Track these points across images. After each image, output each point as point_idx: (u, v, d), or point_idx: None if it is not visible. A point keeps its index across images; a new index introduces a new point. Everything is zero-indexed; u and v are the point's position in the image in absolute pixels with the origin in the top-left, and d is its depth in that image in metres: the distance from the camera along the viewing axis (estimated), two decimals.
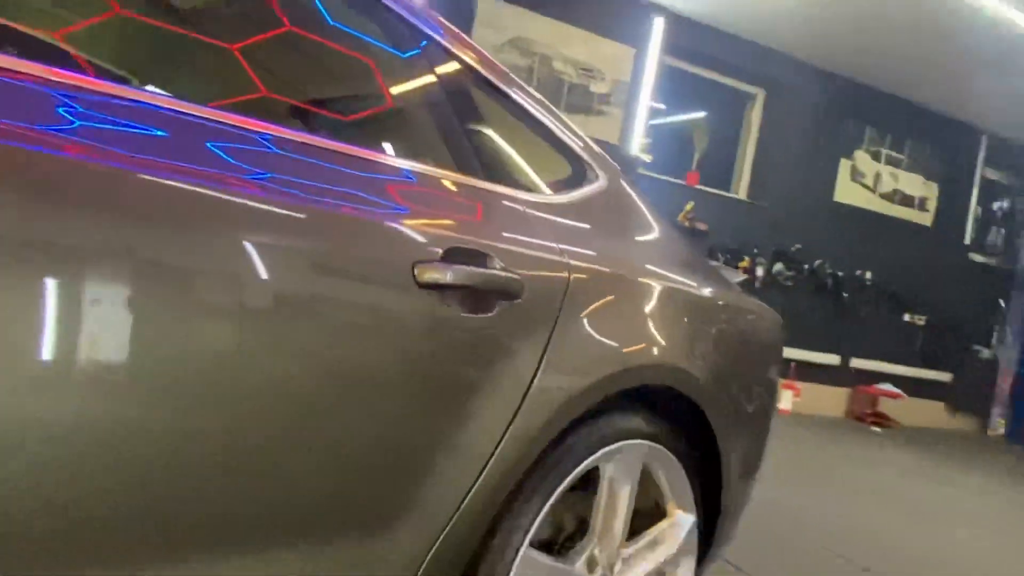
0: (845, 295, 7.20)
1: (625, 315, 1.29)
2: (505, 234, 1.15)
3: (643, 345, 1.31)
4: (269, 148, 0.93)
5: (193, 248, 0.79)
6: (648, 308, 1.35)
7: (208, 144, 0.86)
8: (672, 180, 6.48)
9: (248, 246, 0.83)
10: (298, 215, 0.89)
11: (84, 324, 0.71)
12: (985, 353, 8.23)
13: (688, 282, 1.52)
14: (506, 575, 1.12)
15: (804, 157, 7.03)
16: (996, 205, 8.43)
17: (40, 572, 0.71)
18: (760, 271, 6.69)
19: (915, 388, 7.54)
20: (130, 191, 0.76)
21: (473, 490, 1.05)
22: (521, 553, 1.14)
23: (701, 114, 7.42)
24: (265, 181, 0.89)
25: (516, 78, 1.48)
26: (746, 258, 6.65)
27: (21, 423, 0.69)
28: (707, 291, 1.58)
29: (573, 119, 5.65)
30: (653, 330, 1.34)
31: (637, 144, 6.18)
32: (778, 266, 6.81)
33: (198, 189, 0.81)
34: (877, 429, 6.88)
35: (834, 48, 6.43)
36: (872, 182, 7.39)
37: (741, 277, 2.02)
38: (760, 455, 1.71)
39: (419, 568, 1.02)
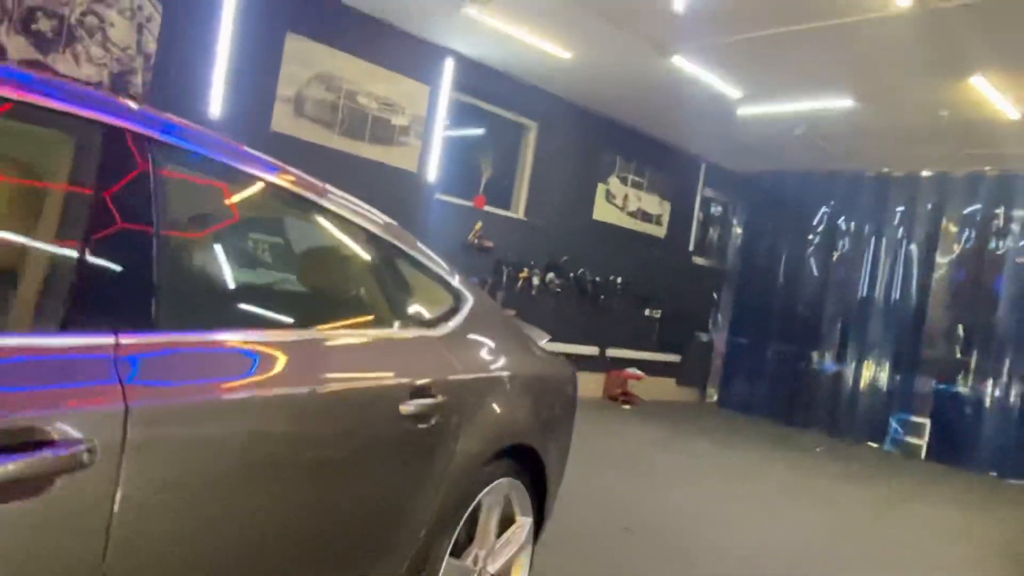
0: (602, 297, 8.62)
1: (499, 404, 2.07)
2: (430, 367, 1.86)
3: (510, 422, 2.10)
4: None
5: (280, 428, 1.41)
6: (509, 397, 2.14)
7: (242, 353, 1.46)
8: (463, 203, 7.34)
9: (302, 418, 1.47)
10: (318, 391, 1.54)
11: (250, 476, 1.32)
12: (704, 337, 10.27)
13: (530, 370, 2.34)
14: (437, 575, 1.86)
15: (569, 181, 8.28)
16: (712, 210, 10.48)
17: None
18: (536, 280, 7.83)
19: (653, 369, 9.24)
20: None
21: (425, 528, 1.77)
22: (444, 561, 1.88)
23: (479, 132, 8.34)
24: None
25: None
26: (525, 269, 7.75)
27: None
28: (537, 370, 2.41)
29: (376, 149, 6.24)
30: (514, 411, 2.14)
31: (433, 171, 6.93)
32: (550, 276, 8.01)
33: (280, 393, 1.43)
34: (627, 406, 8.41)
35: (593, 92, 7.69)
36: (621, 203, 8.89)
37: (547, 338, 2.84)
38: (563, 469, 2.59)
39: None
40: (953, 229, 8.65)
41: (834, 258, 9.55)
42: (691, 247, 10.00)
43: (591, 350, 8.55)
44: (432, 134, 6.93)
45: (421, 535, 1.76)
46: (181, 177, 1.45)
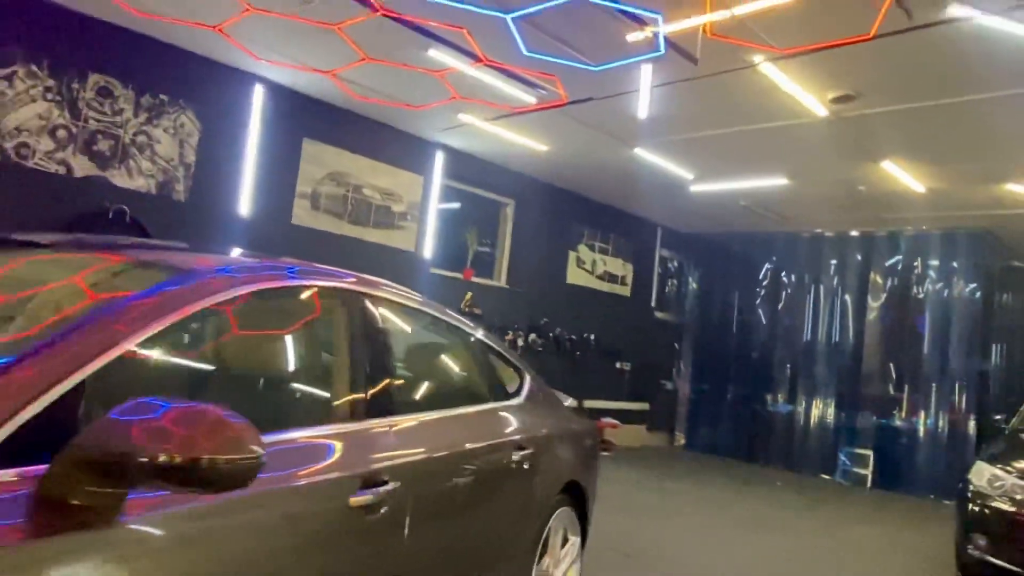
0: (577, 353, 9.50)
1: (560, 452, 2.91)
2: (520, 427, 2.70)
3: (573, 464, 2.94)
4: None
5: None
6: (564, 446, 2.98)
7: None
8: (454, 275, 8.20)
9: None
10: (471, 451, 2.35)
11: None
12: (669, 386, 11.23)
13: (571, 426, 3.18)
14: None
15: (544, 251, 9.23)
16: (670, 267, 11.56)
17: None
18: (520, 341, 8.68)
19: (625, 417, 10.09)
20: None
21: (526, 544, 2.58)
22: (534, 570, 2.68)
23: (464, 212, 9.26)
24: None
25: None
26: (510, 332, 8.61)
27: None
28: (575, 425, 3.26)
29: (379, 233, 7.07)
30: (572, 456, 2.97)
31: (428, 249, 7.79)
32: (532, 336, 8.87)
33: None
34: (606, 453, 9.20)
35: (563, 174, 8.71)
36: (591, 267, 9.88)
37: (571, 400, 3.70)
38: (595, 499, 3.42)
39: None
40: (880, 280, 9.88)
41: (779, 308, 10.69)
42: (653, 303, 11.01)
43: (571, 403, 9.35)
44: (426, 217, 7.81)
45: (524, 549, 2.57)
46: (383, 312, 2.27)
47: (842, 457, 9.56)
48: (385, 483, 1.79)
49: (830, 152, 6.64)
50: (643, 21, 4.28)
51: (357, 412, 1.88)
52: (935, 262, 9.51)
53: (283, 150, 6.58)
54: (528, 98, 5.89)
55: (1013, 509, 4.41)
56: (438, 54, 5.21)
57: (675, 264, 11.67)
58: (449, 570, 2.14)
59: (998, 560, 4.40)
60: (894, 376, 9.69)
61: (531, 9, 3.51)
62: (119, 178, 5.63)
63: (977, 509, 4.60)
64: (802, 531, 6.18)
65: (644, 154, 7.30)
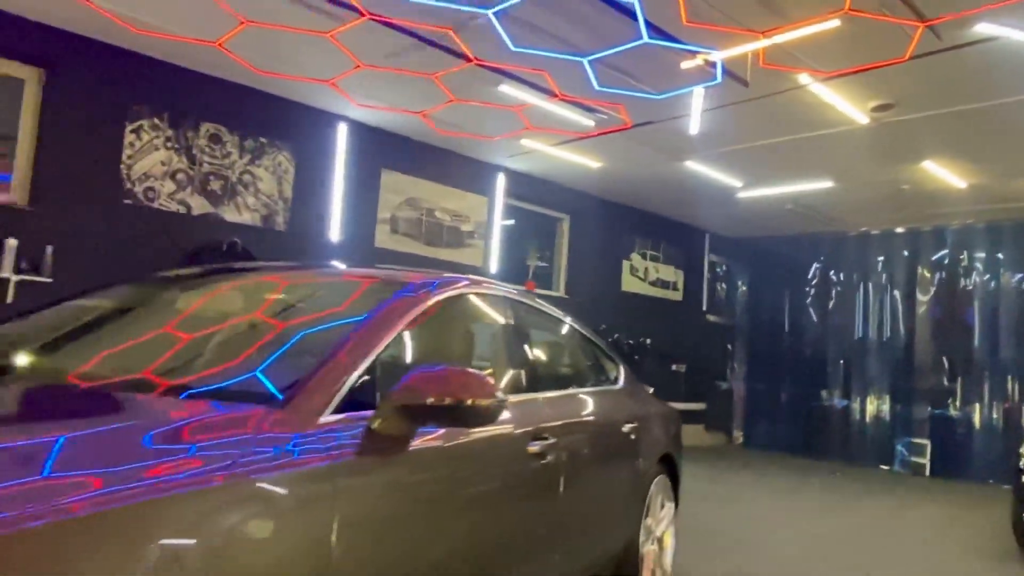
0: (635, 356, 9.98)
1: (655, 429, 3.44)
2: (625, 406, 3.24)
3: (665, 440, 3.46)
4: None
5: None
6: (657, 425, 3.51)
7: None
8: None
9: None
10: (589, 422, 2.90)
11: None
12: (724, 385, 11.62)
13: (661, 408, 3.71)
14: (636, 538, 3.18)
15: (599, 261, 9.76)
16: (719, 272, 11.98)
17: None
18: None
19: (683, 417, 10.49)
20: None
21: (637, 505, 3.11)
22: (641, 526, 3.21)
23: (525, 228, 9.85)
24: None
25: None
26: None
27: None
28: (662, 407, 3.78)
29: (451, 252, 7.73)
30: (663, 433, 3.50)
31: (494, 264, 8.39)
32: None
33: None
34: None
35: (615, 188, 9.25)
36: (643, 274, 10.37)
37: (651, 389, 4.23)
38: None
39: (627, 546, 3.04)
40: (927, 274, 10.17)
41: (830, 306, 11.03)
42: (704, 307, 11.45)
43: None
44: (491, 235, 8.43)
45: (635, 507, 3.10)
46: (524, 312, 2.84)
47: (899, 447, 9.84)
48: (546, 438, 2.35)
49: (873, 155, 7.06)
50: (694, 51, 4.82)
51: (519, 386, 2.45)
52: (981, 254, 9.78)
53: (365, 181, 7.26)
54: (588, 122, 6.46)
55: None
56: (508, 89, 5.82)
57: (724, 268, 12.09)
58: (590, 511, 2.70)
59: None
60: (947, 368, 9.94)
61: (605, 52, 4.08)
62: (229, 214, 6.36)
63: None
64: (864, 512, 6.56)
65: (694, 166, 7.81)
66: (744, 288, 12.16)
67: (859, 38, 4.39)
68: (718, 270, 12.02)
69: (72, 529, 1.04)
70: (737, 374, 11.89)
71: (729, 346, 11.98)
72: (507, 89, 5.81)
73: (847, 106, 5.81)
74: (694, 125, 5.94)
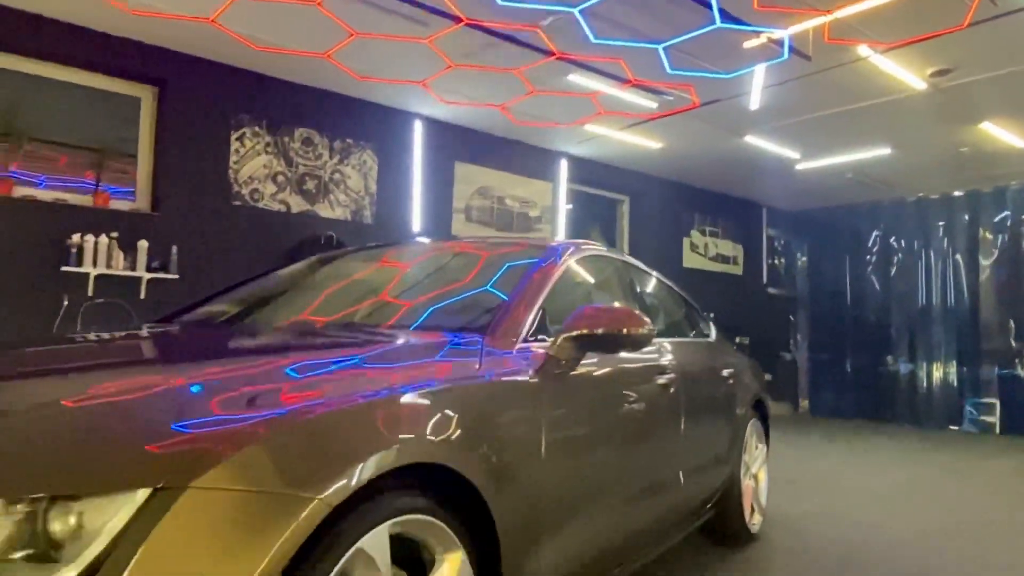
0: None
1: (746, 377, 3.81)
2: (720, 355, 3.62)
3: (756, 387, 3.84)
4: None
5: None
6: (748, 373, 3.88)
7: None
8: None
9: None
10: (691, 365, 3.29)
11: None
12: (788, 356, 11.82)
13: (746, 360, 4.08)
14: (738, 471, 3.57)
15: (660, 239, 10.08)
16: (777, 246, 12.17)
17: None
18: None
19: None
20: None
21: (739, 443, 3.50)
22: (743, 461, 3.59)
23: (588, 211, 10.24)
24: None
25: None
26: None
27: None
28: (747, 360, 4.15)
29: (520, 236, 8.12)
30: (754, 381, 3.88)
31: None
32: None
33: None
34: None
35: (674, 168, 9.55)
36: (703, 250, 10.66)
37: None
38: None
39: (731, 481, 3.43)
40: (989, 236, 10.21)
41: (892, 273, 11.13)
42: (764, 280, 11.66)
43: None
44: (557, 219, 8.84)
45: (736, 443, 3.49)
46: (633, 271, 3.25)
47: (968, 408, 9.94)
48: (669, 374, 2.77)
49: (931, 120, 7.24)
50: (761, 31, 5.14)
51: None
52: None
53: (440, 174, 7.75)
54: (652, 104, 6.81)
55: None
56: (577, 79, 6.21)
57: (782, 241, 12.27)
58: (703, 441, 3.11)
59: None
60: (1013, 328, 9.99)
61: (679, 39, 4.45)
62: (324, 210, 6.91)
63: None
64: (935, 464, 6.79)
65: (753, 140, 8.08)
66: (803, 260, 12.32)
67: (917, 8, 4.66)
68: (776, 244, 12.20)
69: (387, 404, 1.49)
70: (800, 345, 12.08)
71: (791, 317, 12.16)
72: (576, 78, 6.20)
73: (905, 73, 6.03)
74: (755, 101, 6.25)
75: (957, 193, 10.41)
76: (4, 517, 1.02)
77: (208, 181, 6.25)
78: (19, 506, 1.02)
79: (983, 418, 9.81)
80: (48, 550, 1.02)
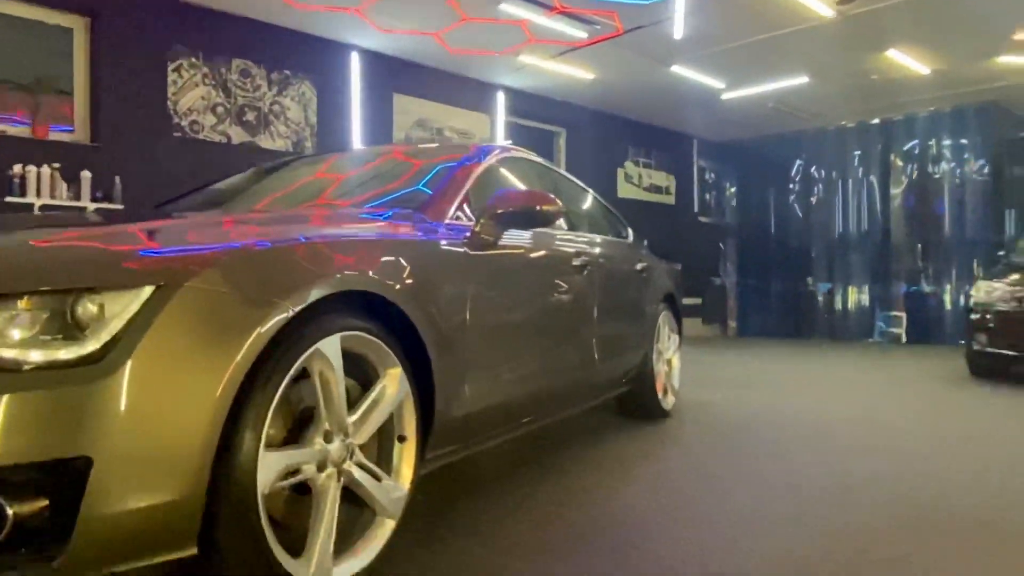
0: None
1: (658, 274, 4.26)
2: (636, 254, 4.05)
3: (667, 283, 4.29)
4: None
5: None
6: (660, 271, 4.33)
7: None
8: None
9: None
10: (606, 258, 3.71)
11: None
12: (718, 281, 12.51)
13: (662, 263, 4.53)
14: (650, 355, 4.04)
15: (595, 171, 10.46)
16: (707, 176, 12.73)
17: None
18: None
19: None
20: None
21: (649, 330, 3.96)
22: (655, 349, 4.06)
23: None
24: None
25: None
26: None
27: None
28: (665, 263, 4.60)
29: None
30: (666, 277, 4.33)
31: None
32: None
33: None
34: None
35: (607, 99, 9.88)
36: (638, 181, 11.10)
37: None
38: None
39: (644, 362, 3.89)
40: (900, 164, 10.93)
41: (813, 201, 11.82)
42: (696, 209, 12.23)
43: None
44: None
45: (648, 331, 3.95)
46: (558, 178, 3.61)
47: (878, 322, 10.81)
48: (585, 257, 3.18)
49: (841, 48, 7.72)
50: None
51: (560, 225, 3.26)
52: (948, 141, 10.53)
53: (379, 105, 7.91)
54: (581, 33, 7.09)
55: (1004, 309, 5.67)
56: (508, 7, 6.43)
57: (712, 172, 12.81)
58: (616, 324, 3.54)
59: (993, 348, 5.69)
60: (919, 250, 10.82)
61: None
62: (265, 142, 7.04)
63: (978, 315, 5.87)
64: (853, 367, 7.52)
65: (679, 70, 8.45)
66: (732, 189, 12.92)
67: None
68: (707, 175, 12.74)
69: (336, 244, 1.83)
70: (729, 270, 12.77)
71: (721, 245, 12.81)
72: (506, 7, 6.43)
73: (814, 1, 6.45)
74: (678, 29, 6.61)
75: (873, 121, 11.05)
76: (38, 309, 1.33)
77: (147, 112, 6.31)
78: (49, 298, 1.34)
79: (892, 330, 10.69)
80: (74, 333, 1.34)
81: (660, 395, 4.14)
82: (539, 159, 3.56)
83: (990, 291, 5.85)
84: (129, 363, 1.30)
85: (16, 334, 1.30)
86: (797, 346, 10.21)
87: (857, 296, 11.31)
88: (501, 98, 9.13)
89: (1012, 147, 10.41)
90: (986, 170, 10.17)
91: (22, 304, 1.32)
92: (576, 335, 3.13)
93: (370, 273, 1.85)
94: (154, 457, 1.34)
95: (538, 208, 2.47)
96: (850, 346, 10.23)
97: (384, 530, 1.86)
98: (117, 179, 6.00)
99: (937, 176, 10.58)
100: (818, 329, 11.52)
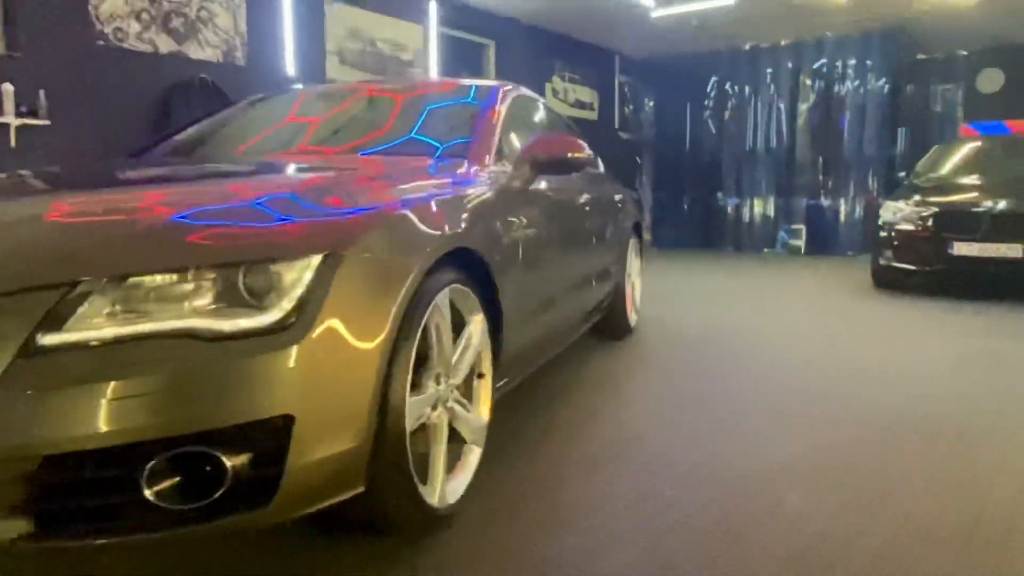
0: None
1: (629, 206, 4.52)
2: (613, 187, 4.28)
3: (635, 212, 4.56)
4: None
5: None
6: (631, 203, 4.59)
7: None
8: None
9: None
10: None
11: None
12: (635, 195, 12.98)
13: (629, 193, 4.79)
14: (624, 275, 4.35)
15: (524, 84, 10.43)
16: (627, 92, 12.98)
17: None
18: None
19: None
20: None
21: (622, 253, 4.25)
22: (625, 273, 4.37)
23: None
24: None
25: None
26: None
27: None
28: (630, 193, 4.87)
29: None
30: (633, 207, 4.60)
31: None
32: None
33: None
34: None
35: (537, 12, 9.80)
36: (564, 96, 11.20)
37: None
38: None
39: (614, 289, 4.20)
40: (808, 83, 11.54)
41: (726, 118, 12.34)
42: (616, 125, 12.50)
43: None
44: (428, 62, 8.94)
45: (622, 254, 4.24)
46: (552, 114, 3.73)
47: (781, 233, 11.67)
48: (585, 194, 3.38)
49: None
50: None
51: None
52: (853, 62, 11.17)
53: (311, 14, 7.54)
54: None
55: (908, 228, 6.35)
56: None
57: (632, 88, 13.05)
58: (606, 251, 3.81)
59: (898, 263, 6.41)
60: (821, 166, 11.62)
61: None
62: (194, 51, 6.62)
63: (885, 233, 6.55)
64: (769, 280, 8.20)
65: None
66: (651, 105, 13.24)
67: None
68: (627, 91, 12.96)
69: (438, 205, 1.96)
70: (646, 184, 13.26)
71: (638, 159, 13.23)
72: None
73: None
74: None
75: (783, 42, 11.53)
76: (207, 281, 1.42)
77: (67, 19, 5.78)
78: (229, 271, 1.43)
79: (792, 242, 11.59)
80: (256, 302, 1.44)
81: (629, 314, 4.49)
82: (534, 95, 3.66)
83: (896, 211, 6.51)
84: (317, 327, 1.43)
85: (211, 306, 1.40)
86: (710, 258, 10.92)
87: (763, 209, 12.09)
88: (434, 8, 8.87)
89: (911, 69, 11.21)
90: (886, 89, 10.94)
91: (207, 276, 1.41)
92: (582, 267, 3.37)
93: (467, 228, 2.00)
94: (339, 410, 1.49)
95: (570, 156, 2.64)
96: (754, 257, 11.04)
97: (473, 457, 2.10)
98: (42, 93, 5.55)
99: (841, 95, 11.27)
100: (726, 240, 12.30)
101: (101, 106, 5.95)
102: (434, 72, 8.96)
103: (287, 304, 1.44)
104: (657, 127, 13.20)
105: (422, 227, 1.78)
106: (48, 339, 1.30)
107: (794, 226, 11.60)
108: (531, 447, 2.55)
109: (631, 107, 13.11)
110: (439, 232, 1.84)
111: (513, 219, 2.43)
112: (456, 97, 2.99)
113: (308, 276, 1.46)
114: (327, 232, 1.56)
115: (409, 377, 1.67)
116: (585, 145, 2.69)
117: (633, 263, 4.65)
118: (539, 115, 3.55)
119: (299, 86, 5.94)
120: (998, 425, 2.82)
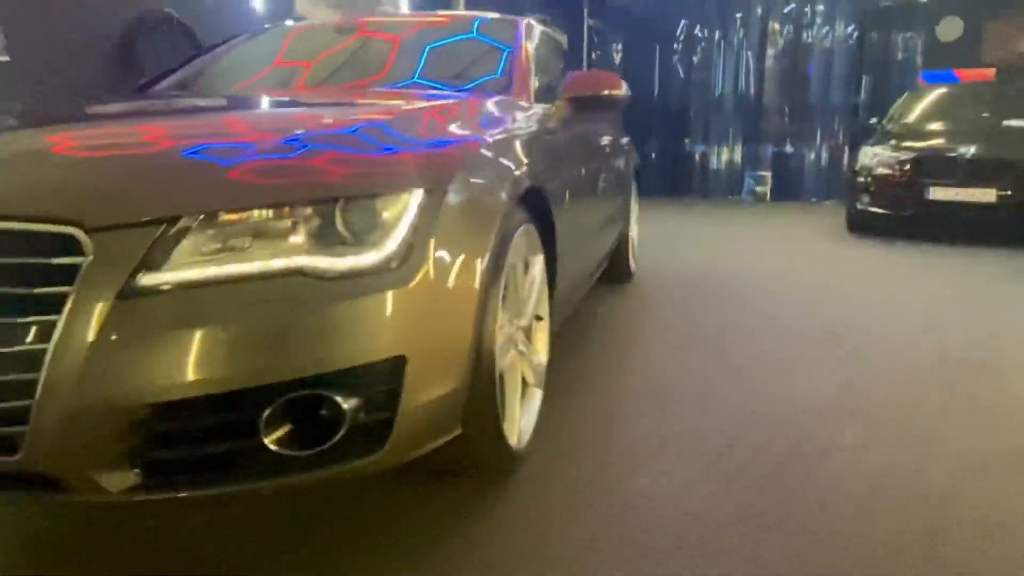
0: None
1: (632, 150, 4.47)
2: (619, 129, 4.23)
3: (636, 156, 4.52)
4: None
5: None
6: (632, 146, 4.54)
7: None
8: None
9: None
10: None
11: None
12: None
13: (628, 136, 4.74)
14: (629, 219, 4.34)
15: None
16: (595, 38, 12.79)
17: None
18: None
19: None
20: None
21: (628, 195, 4.22)
22: (630, 212, 4.35)
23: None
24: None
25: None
26: None
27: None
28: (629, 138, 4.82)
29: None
30: (635, 151, 4.55)
31: None
32: None
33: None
34: None
35: None
36: None
37: None
38: None
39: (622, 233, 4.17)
40: (777, 27, 11.54)
41: (694, 63, 12.28)
42: (584, 68, 12.33)
43: None
44: (400, 1, 8.61)
45: (627, 198, 4.21)
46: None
47: (748, 179, 11.81)
48: (604, 137, 3.32)
49: None
50: None
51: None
52: (821, 7, 11.20)
53: None
54: None
55: (885, 172, 6.48)
56: None
57: (600, 33, 12.85)
58: (619, 196, 3.78)
59: (874, 208, 6.55)
60: (787, 112, 11.72)
61: None
62: None
63: (863, 178, 6.67)
64: (732, 223, 8.30)
65: None
66: (619, 50, 13.09)
67: None
68: (594, 35, 12.76)
69: (508, 141, 1.88)
70: None
71: None
72: None
73: None
74: None
75: None
76: (313, 217, 1.34)
77: None
78: (328, 207, 1.34)
79: (758, 189, 11.74)
80: (356, 239, 1.36)
81: (630, 259, 4.50)
82: (547, 28, 3.55)
83: (874, 156, 6.62)
84: (425, 267, 1.37)
85: (316, 244, 1.32)
86: (678, 206, 10.98)
87: (729, 156, 12.18)
88: None
89: (877, 16, 11.27)
90: (854, 36, 11.01)
91: (310, 212, 1.33)
92: (605, 208, 3.34)
93: (535, 168, 1.93)
94: (444, 351, 1.45)
95: (607, 93, 2.58)
96: (722, 204, 11.16)
97: (536, 397, 2.08)
98: None
99: (809, 41, 11.32)
100: (693, 187, 12.39)
101: (64, 41, 5.55)
102: (404, 6, 8.64)
103: (393, 242, 1.36)
104: (625, 73, 13.06)
105: (507, 164, 1.72)
106: (148, 279, 1.21)
107: (760, 172, 11.73)
108: (579, 389, 2.55)
109: (599, 52, 12.93)
110: (519, 171, 1.78)
111: (564, 158, 2.37)
112: (485, 34, 2.88)
113: (412, 213, 1.39)
114: (428, 167, 1.48)
115: (498, 317, 1.63)
116: (623, 82, 2.62)
117: (634, 207, 4.64)
118: (552, 47, 3.45)
119: (306, 20, 5.63)
120: (1017, 356, 2.94)
